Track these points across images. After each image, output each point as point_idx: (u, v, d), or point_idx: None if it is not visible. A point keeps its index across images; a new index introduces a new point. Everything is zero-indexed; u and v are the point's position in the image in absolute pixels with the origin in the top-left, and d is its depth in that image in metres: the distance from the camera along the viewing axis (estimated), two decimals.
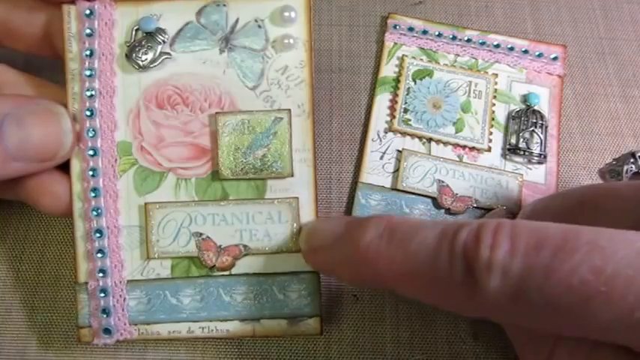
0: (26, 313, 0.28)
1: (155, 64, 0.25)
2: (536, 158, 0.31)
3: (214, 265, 0.25)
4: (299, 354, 0.27)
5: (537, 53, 0.33)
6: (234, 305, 0.25)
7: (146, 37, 0.25)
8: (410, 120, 0.31)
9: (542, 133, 0.31)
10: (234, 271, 0.26)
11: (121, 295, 0.25)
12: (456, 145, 0.31)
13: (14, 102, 0.24)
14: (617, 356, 0.18)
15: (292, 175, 0.26)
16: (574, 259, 0.17)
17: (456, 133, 0.31)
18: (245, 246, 0.25)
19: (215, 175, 0.26)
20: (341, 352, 0.27)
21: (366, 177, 0.30)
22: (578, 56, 0.35)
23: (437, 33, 0.33)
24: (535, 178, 0.31)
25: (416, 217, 0.22)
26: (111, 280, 0.25)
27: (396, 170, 0.30)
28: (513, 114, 0.32)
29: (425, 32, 0.33)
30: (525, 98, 0.32)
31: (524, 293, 0.17)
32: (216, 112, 0.26)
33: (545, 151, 0.31)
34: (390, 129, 0.31)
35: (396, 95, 0.32)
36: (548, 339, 0.20)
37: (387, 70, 0.33)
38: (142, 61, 0.25)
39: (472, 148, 0.31)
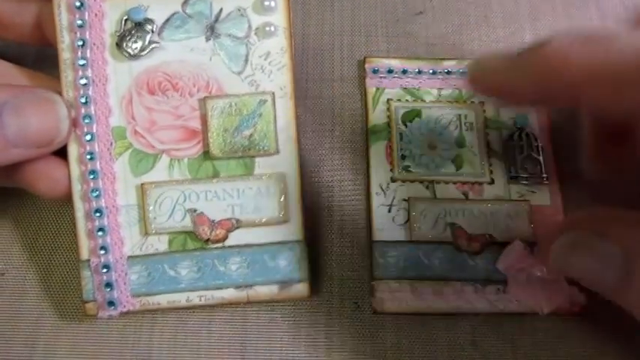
0: (39, 293, 0.29)
1: (145, 52, 0.27)
2: (538, 181, 0.31)
3: (209, 239, 0.27)
4: None
5: None
6: (228, 274, 0.28)
7: (135, 27, 0.27)
8: (409, 166, 0.31)
9: (538, 154, 0.31)
10: (227, 243, 0.28)
11: (122, 270, 0.27)
12: (459, 183, 0.31)
13: (12, 91, 0.25)
14: None
15: (278, 152, 0.28)
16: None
17: (457, 170, 0.31)
18: (237, 219, 0.28)
19: (206, 154, 0.28)
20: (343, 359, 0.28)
21: (378, 235, 0.30)
22: None
23: (417, 70, 0.33)
24: (541, 201, 0.30)
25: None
26: (112, 256, 0.27)
27: (407, 221, 0.30)
28: (508, 139, 0.32)
29: (405, 72, 0.33)
30: (515, 121, 0.32)
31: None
32: (205, 97, 0.27)
33: (545, 172, 0.31)
34: (392, 179, 0.31)
35: (390, 143, 0.32)
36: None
37: (376, 117, 0.32)
38: (133, 49, 0.27)
39: (475, 183, 0.31)
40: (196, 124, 0.28)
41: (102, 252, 0.27)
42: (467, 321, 0.29)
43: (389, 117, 0.32)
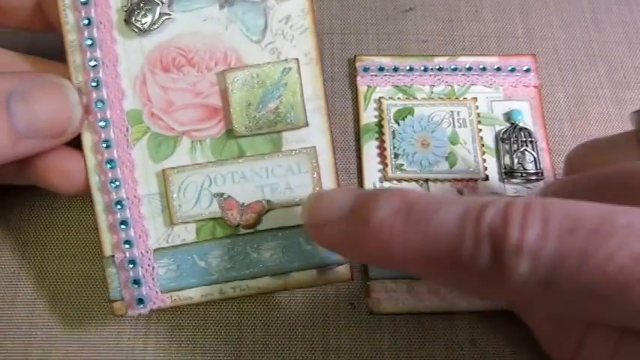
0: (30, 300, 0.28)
1: (155, 26, 0.25)
2: (533, 177, 0.30)
3: (239, 224, 0.25)
4: None
5: (510, 68, 0.33)
6: (262, 261, 0.25)
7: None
8: (403, 165, 0.30)
9: (533, 150, 0.31)
10: (259, 227, 0.25)
11: (149, 265, 0.25)
12: (453, 181, 0.30)
13: (18, 79, 0.23)
14: None
15: (307, 125, 0.25)
16: (611, 244, 0.15)
17: (451, 168, 0.30)
18: (268, 201, 0.25)
19: (229, 133, 0.25)
20: None
21: None
22: (569, 59, 0.35)
23: (408, 67, 0.33)
24: None
25: (432, 194, 0.19)
26: (137, 250, 0.25)
27: None
28: (501, 135, 0.31)
29: (396, 69, 0.33)
30: (508, 116, 0.32)
31: (555, 280, 0.16)
32: (224, 70, 0.25)
33: (540, 167, 0.31)
34: (385, 178, 0.30)
35: (382, 142, 0.31)
36: (575, 330, 0.19)
37: (368, 116, 0.32)
38: (142, 24, 0.25)
39: (470, 180, 0.30)
40: (217, 101, 0.25)
41: (126, 246, 0.25)
42: (465, 320, 0.28)
43: (381, 115, 0.32)
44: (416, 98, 0.32)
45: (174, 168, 0.25)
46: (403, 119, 0.31)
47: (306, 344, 0.28)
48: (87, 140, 0.25)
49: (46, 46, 0.27)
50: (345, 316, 0.28)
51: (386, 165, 0.30)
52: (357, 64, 0.33)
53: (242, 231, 0.25)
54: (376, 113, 0.32)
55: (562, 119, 0.33)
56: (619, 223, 0.16)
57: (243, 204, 0.25)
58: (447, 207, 0.18)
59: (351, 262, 0.26)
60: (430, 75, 0.33)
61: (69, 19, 0.25)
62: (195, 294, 0.25)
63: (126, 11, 0.25)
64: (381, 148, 0.31)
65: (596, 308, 0.17)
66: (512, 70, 0.33)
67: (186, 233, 0.25)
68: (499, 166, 0.31)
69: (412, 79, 0.32)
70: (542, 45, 0.35)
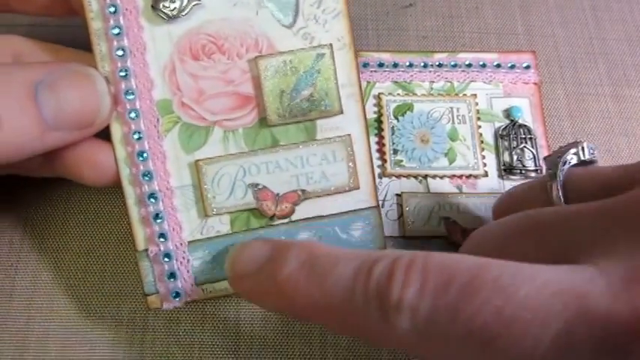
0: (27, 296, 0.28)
1: (184, 12, 0.24)
2: (532, 174, 0.30)
3: (274, 214, 0.25)
4: (295, 358, 0.27)
5: (510, 65, 0.32)
6: None
7: None
8: (402, 160, 0.30)
9: (532, 147, 0.31)
10: (294, 217, 0.25)
11: (184, 257, 0.25)
12: (452, 177, 0.30)
13: (44, 68, 0.22)
14: None
15: (341, 112, 0.25)
16: (477, 300, 0.16)
17: (450, 164, 0.30)
18: (303, 190, 0.25)
19: (262, 122, 0.25)
20: (337, 357, 0.27)
21: None
22: (569, 57, 0.35)
23: (407, 63, 0.32)
24: None
25: (339, 248, 0.21)
26: (172, 243, 0.24)
27: (401, 216, 0.29)
28: (501, 132, 0.31)
29: (395, 65, 0.32)
30: (508, 113, 0.32)
31: (432, 334, 0.17)
32: (256, 57, 0.24)
33: (539, 164, 0.30)
34: (384, 174, 0.30)
35: (382, 137, 0.31)
36: None
37: (367, 111, 0.30)
38: (170, 10, 0.24)
39: (469, 176, 0.30)
40: (249, 89, 0.25)
41: (161, 240, 0.24)
42: None
43: (380, 111, 0.31)
44: (415, 94, 0.32)
45: (207, 159, 0.25)
46: (402, 115, 0.31)
47: (304, 340, 0.27)
48: (116, 132, 0.24)
49: (70, 38, 0.26)
50: None
51: (385, 161, 0.30)
52: (357, 60, 0.32)
53: (277, 221, 0.25)
54: (375, 109, 0.32)
55: (562, 116, 0.33)
56: (487, 278, 0.17)
57: (278, 194, 0.25)
58: (345, 262, 0.19)
59: (385, 246, 0.26)
60: (430, 71, 0.32)
61: (93, 6, 0.24)
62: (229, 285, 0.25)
63: None
64: (380, 144, 0.31)
65: (473, 358, 0.17)
66: (512, 66, 0.33)
67: (221, 225, 0.25)
68: (498, 163, 0.31)
69: (412, 75, 0.32)
70: (543, 42, 0.35)
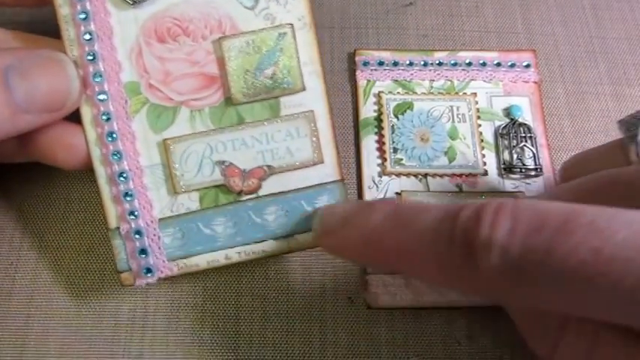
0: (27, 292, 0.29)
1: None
2: (532, 172, 0.31)
3: (242, 190, 0.26)
4: (295, 357, 0.28)
5: (510, 63, 0.33)
6: (266, 225, 0.26)
7: None
8: (402, 159, 0.31)
9: (532, 145, 0.31)
10: (261, 192, 0.26)
11: (155, 234, 0.25)
12: (452, 176, 0.30)
13: (15, 54, 0.23)
14: (622, 339, 0.18)
15: (304, 89, 0.26)
16: (573, 240, 0.17)
17: (450, 162, 0.31)
18: (269, 166, 0.26)
19: (228, 101, 0.26)
20: (336, 355, 0.28)
21: None
22: (569, 55, 0.35)
23: (408, 62, 0.33)
24: (536, 192, 0.30)
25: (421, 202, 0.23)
26: (142, 220, 0.25)
27: None
28: (501, 131, 0.31)
29: (396, 64, 0.33)
30: (508, 112, 0.32)
31: (523, 272, 0.17)
32: (219, 38, 0.25)
33: (539, 163, 0.31)
34: (383, 172, 0.30)
35: (381, 136, 0.31)
36: (554, 326, 0.20)
37: (367, 110, 0.32)
38: None
39: (469, 175, 0.30)
40: (214, 69, 0.26)
41: (131, 217, 0.25)
42: (462, 315, 0.28)
43: (380, 110, 0.32)
44: (415, 93, 0.32)
45: (174, 138, 0.25)
46: (402, 114, 0.31)
47: (303, 338, 0.28)
48: (86, 114, 0.25)
49: (43, 24, 0.27)
50: (342, 310, 0.29)
51: (385, 159, 0.31)
52: (357, 59, 0.33)
53: (244, 197, 0.26)
54: (375, 108, 0.32)
55: (562, 115, 0.33)
56: (582, 221, 0.17)
57: (244, 170, 0.26)
58: (430, 210, 0.20)
59: None
60: (430, 70, 0.33)
61: None
62: (201, 261, 0.26)
63: None
64: (380, 142, 0.31)
65: (562, 300, 0.18)
66: (512, 65, 0.33)
67: (190, 202, 0.26)
68: (498, 162, 0.31)
69: (412, 74, 0.33)
70: (543, 41, 0.35)
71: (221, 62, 0.25)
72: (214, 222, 0.26)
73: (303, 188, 0.26)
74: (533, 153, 0.31)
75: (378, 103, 0.32)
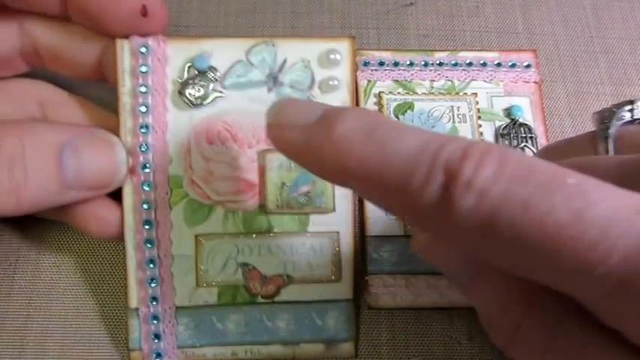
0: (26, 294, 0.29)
1: (207, 101, 0.27)
2: None
3: (259, 294, 0.27)
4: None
5: (510, 63, 0.33)
6: (276, 330, 0.27)
7: (198, 74, 0.26)
8: None
9: (533, 146, 0.31)
10: (277, 298, 0.27)
11: (170, 321, 0.27)
12: None
13: (71, 132, 0.25)
14: (582, 330, 0.18)
15: (334, 211, 0.27)
16: (557, 197, 0.16)
17: None
18: (288, 276, 0.27)
19: (261, 208, 0.27)
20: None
21: (372, 229, 0.29)
22: (569, 55, 0.35)
23: (408, 62, 0.33)
24: None
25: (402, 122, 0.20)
26: (161, 306, 0.27)
27: None
28: (501, 131, 0.31)
29: (396, 64, 0.33)
30: (508, 112, 0.32)
31: (495, 221, 0.16)
32: (264, 150, 0.27)
33: None
34: None
35: None
36: (513, 313, 0.19)
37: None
38: (195, 98, 0.26)
39: None
40: (254, 177, 0.27)
41: (152, 303, 0.26)
42: (462, 315, 0.29)
43: (380, 110, 0.32)
44: (416, 93, 0.32)
45: (206, 235, 0.27)
46: (403, 114, 0.31)
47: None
48: (128, 200, 0.26)
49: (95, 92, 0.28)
50: None
51: None
52: (358, 59, 0.32)
53: (260, 300, 0.27)
54: (376, 108, 0.32)
55: (562, 115, 0.33)
56: (569, 182, 0.16)
57: (265, 276, 0.27)
58: (412, 134, 0.18)
59: (356, 339, 0.28)
60: (430, 70, 0.32)
61: (126, 83, 0.26)
62: (208, 352, 0.27)
63: (181, 83, 0.26)
64: None
65: (524, 261, 0.17)
66: (513, 65, 0.33)
67: (209, 296, 0.27)
68: None
69: (412, 74, 0.32)
70: (543, 41, 0.35)
71: (262, 172, 0.27)
72: (228, 319, 0.27)
73: (317, 301, 0.27)
74: (534, 153, 0.31)
75: (379, 103, 0.32)
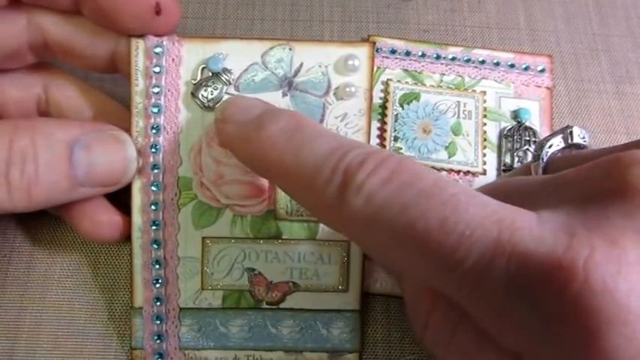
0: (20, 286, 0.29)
1: (219, 104, 0.26)
2: None
3: (264, 300, 0.27)
4: None
5: (524, 66, 0.32)
6: (279, 337, 0.27)
7: (212, 76, 0.26)
8: (401, 148, 0.30)
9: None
10: (282, 305, 0.27)
11: (173, 322, 0.27)
12: (450, 171, 0.30)
13: (83, 129, 0.25)
14: (476, 331, 0.18)
15: None
16: (430, 204, 0.18)
17: (449, 157, 0.30)
18: (295, 283, 0.27)
19: (270, 213, 0.27)
20: None
21: None
22: (571, 52, 0.34)
23: (420, 53, 0.32)
24: None
25: (323, 128, 0.23)
26: (165, 307, 0.26)
27: None
28: (505, 132, 0.31)
29: (408, 53, 0.32)
30: (516, 114, 0.31)
31: (377, 221, 0.18)
32: None
33: None
34: None
35: (384, 123, 0.31)
36: (424, 310, 0.21)
37: (373, 97, 0.30)
38: (208, 100, 0.26)
39: (467, 172, 0.30)
40: (264, 182, 0.27)
41: (157, 303, 0.26)
42: None
43: (386, 97, 0.31)
44: (424, 85, 0.31)
45: (213, 238, 0.27)
46: (408, 104, 0.31)
47: None
48: (137, 200, 0.26)
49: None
50: None
51: (384, 147, 0.30)
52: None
53: (265, 306, 0.27)
54: (382, 95, 0.31)
55: (563, 113, 0.33)
56: (447, 191, 0.18)
57: (271, 282, 0.27)
58: (325, 139, 0.21)
59: (360, 351, 0.27)
60: (442, 63, 0.32)
61: (139, 83, 0.26)
62: (210, 355, 0.27)
63: (194, 84, 0.26)
64: (382, 129, 0.31)
65: (404, 258, 0.19)
66: (526, 68, 0.32)
67: (213, 299, 0.27)
68: (498, 163, 0.30)
69: (423, 66, 0.32)
70: (545, 37, 0.35)
71: None
72: (231, 323, 0.27)
73: (323, 310, 0.27)
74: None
75: (385, 90, 0.31)
